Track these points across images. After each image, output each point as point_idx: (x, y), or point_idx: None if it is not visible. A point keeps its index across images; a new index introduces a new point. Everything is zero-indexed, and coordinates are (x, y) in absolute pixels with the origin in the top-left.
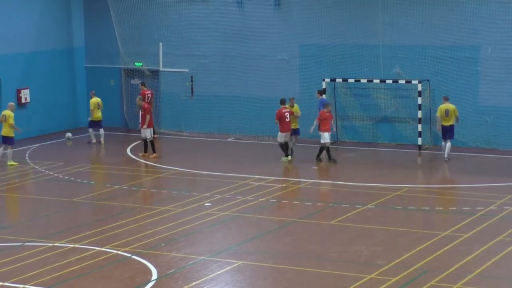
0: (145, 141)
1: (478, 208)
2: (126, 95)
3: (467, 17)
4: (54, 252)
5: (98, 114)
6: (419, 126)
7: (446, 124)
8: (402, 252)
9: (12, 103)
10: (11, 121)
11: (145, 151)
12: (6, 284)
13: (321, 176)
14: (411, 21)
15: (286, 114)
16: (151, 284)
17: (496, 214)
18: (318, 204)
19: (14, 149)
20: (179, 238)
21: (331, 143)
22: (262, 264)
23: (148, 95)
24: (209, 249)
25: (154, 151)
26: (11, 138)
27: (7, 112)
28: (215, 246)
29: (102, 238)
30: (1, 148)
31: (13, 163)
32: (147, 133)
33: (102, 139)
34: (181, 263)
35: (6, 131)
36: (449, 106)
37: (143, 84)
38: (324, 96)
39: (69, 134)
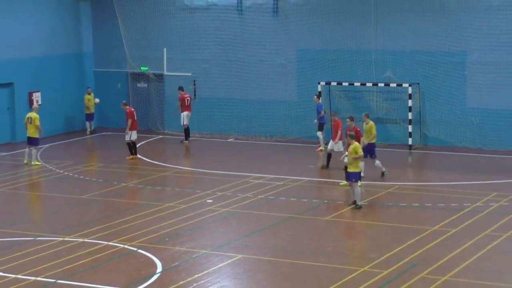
0: (128, 144)
1: (465, 204)
2: (133, 97)
3: (455, 24)
4: (64, 246)
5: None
6: (410, 127)
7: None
8: (393, 246)
9: (37, 106)
10: (37, 122)
11: (132, 152)
12: (19, 276)
13: (317, 174)
14: (402, 28)
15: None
16: (156, 276)
17: (482, 211)
18: (314, 201)
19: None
20: (183, 233)
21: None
22: (260, 258)
23: (187, 98)
24: (211, 243)
25: (132, 153)
26: (36, 139)
27: (33, 114)
28: (217, 241)
29: (110, 233)
30: (26, 148)
31: (37, 163)
32: (127, 136)
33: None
34: (184, 257)
35: (31, 132)
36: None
37: (181, 88)
38: (320, 100)
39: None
